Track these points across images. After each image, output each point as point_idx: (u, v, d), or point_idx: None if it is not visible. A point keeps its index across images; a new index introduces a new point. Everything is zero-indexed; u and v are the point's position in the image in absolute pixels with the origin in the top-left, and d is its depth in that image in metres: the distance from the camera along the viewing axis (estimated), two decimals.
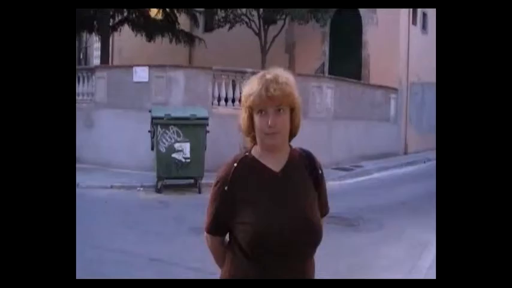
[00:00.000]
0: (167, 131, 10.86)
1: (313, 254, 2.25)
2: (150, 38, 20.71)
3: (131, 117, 13.23)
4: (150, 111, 11.26)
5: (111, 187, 11.24)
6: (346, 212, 8.89)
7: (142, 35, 20.82)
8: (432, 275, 5.45)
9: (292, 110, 2.21)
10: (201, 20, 22.17)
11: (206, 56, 20.10)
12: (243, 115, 2.24)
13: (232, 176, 2.21)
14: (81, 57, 29.06)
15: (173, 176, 11.07)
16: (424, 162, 16.84)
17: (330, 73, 18.48)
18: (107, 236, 7.50)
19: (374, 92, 17.56)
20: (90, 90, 14.66)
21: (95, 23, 19.64)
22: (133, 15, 20.44)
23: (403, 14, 18.11)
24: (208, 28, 22.50)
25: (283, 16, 17.59)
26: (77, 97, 14.29)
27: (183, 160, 10.92)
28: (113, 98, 13.98)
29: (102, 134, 13.82)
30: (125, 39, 22.53)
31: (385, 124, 17.86)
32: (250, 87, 2.18)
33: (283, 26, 18.15)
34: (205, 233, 2.31)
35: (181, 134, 10.88)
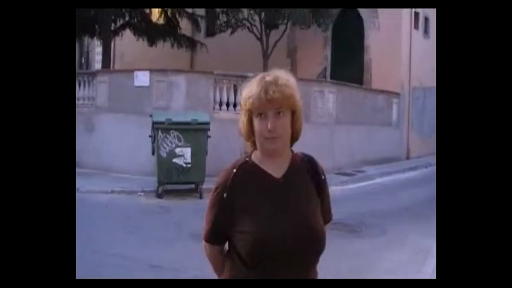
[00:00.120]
0: (168, 136, 10.81)
1: (317, 263, 2.18)
2: (151, 42, 20.69)
3: (132, 122, 13.19)
4: (151, 115, 11.22)
5: (112, 192, 11.19)
6: (348, 218, 8.82)
7: (144, 40, 20.81)
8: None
9: (294, 113, 2.14)
10: (202, 24, 22.18)
11: (208, 61, 20.07)
12: (242, 119, 2.17)
13: (232, 182, 2.14)
14: (83, 61, 29.07)
15: (174, 181, 11.01)
16: (426, 167, 16.75)
17: (331, 78, 18.43)
18: (107, 241, 7.45)
19: (376, 97, 17.50)
20: (91, 95, 14.62)
21: (96, 27, 19.63)
22: (135, 20, 20.43)
23: (405, 18, 18.07)
24: (210, 33, 22.49)
25: (285, 21, 17.56)
26: (77, 101, 14.27)
27: (184, 165, 10.86)
28: (114, 102, 13.94)
29: (103, 139, 13.77)
30: (127, 43, 22.54)
31: (387, 129, 17.79)
32: (250, 89, 2.11)
33: (284, 31, 18.13)
34: (203, 241, 2.25)
35: (182, 139, 10.83)
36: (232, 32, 18.62)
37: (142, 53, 21.48)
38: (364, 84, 18.34)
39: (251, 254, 2.04)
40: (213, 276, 2.32)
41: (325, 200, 2.26)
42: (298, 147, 2.25)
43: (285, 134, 2.12)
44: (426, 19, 19.53)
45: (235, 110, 13.12)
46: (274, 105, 2.06)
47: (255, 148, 2.18)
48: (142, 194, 11.20)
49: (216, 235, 2.19)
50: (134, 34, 20.77)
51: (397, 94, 18.14)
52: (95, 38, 21.52)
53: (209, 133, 11.03)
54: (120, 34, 20.82)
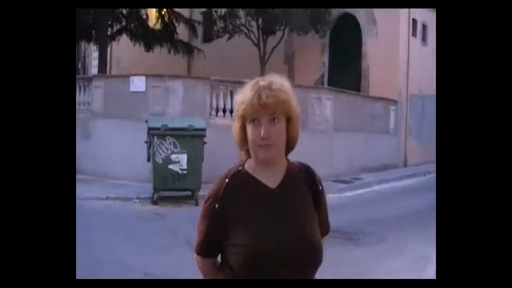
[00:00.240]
0: (164, 142, 10.71)
1: (314, 276, 2.07)
2: (148, 48, 20.66)
3: (128, 128, 13.08)
4: (146, 121, 11.12)
5: (107, 198, 11.07)
6: (346, 226, 8.70)
7: (140, 45, 20.76)
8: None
9: (289, 120, 2.01)
10: (199, 30, 22.18)
11: (205, 67, 20.03)
12: (235, 125, 2.05)
13: (224, 192, 2.03)
14: (80, 66, 29.00)
15: (170, 188, 10.91)
16: (424, 175, 16.69)
17: (329, 84, 18.38)
18: (101, 248, 7.34)
19: (374, 104, 17.45)
20: (87, 100, 14.52)
21: (93, 32, 19.55)
22: (132, 25, 20.39)
23: (403, 25, 18.04)
24: (207, 38, 22.48)
25: (283, 27, 17.52)
26: None
27: (180, 171, 10.76)
28: (110, 107, 13.85)
29: (99, 144, 13.66)
30: (123, 48, 22.49)
31: (384, 136, 17.73)
32: (243, 94, 2.00)
33: (282, 37, 18.10)
34: (195, 254, 2.14)
35: (178, 145, 10.74)
36: (229, 38, 18.58)
37: (139, 58, 21.42)
38: (362, 91, 18.29)
39: (245, 267, 1.93)
40: None
41: (322, 211, 2.16)
42: (295, 155, 2.14)
43: (280, 142, 2.00)
44: (424, 26, 19.50)
45: (231, 116, 13.01)
46: (267, 110, 1.95)
47: (249, 156, 2.07)
48: (137, 200, 11.08)
49: (208, 247, 2.08)
50: (131, 39, 20.74)
51: (394, 101, 18.09)
52: (92, 43, 21.45)
53: (205, 139, 10.93)
54: (117, 39, 20.79)
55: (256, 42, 18.07)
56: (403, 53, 18.07)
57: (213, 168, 9.89)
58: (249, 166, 2.08)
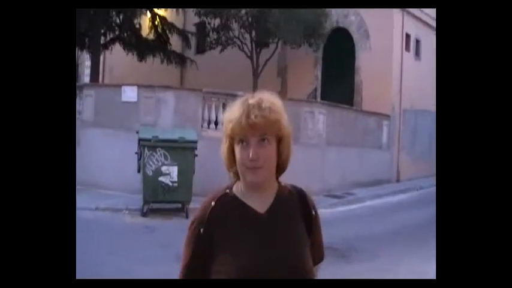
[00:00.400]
0: (154, 154, 10.57)
1: None
2: (141, 57, 20.59)
3: (119, 138, 12.93)
4: (137, 132, 10.98)
5: (96, 209, 10.88)
6: (338, 242, 8.56)
7: (133, 54, 20.67)
8: None
9: (280, 140, 1.89)
10: (193, 41, 22.16)
11: (198, 78, 19.98)
12: (223, 145, 1.93)
13: (209, 216, 1.91)
14: None
15: (160, 200, 10.76)
16: (417, 190, 16.65)
17: (322, 98, 18.33)
18: (87, 261, 7.15)
19: (367, 119, 17.39)
20: (78, 108, 14.31)
21: (86, 40, 19.42)
22: (125, 34, 20.31)
23: (396, 40, 18.05)
24: (200, 50, 22.48)
25: (276, 39, 17.50)
26: None
27: (170, 184, 10.62)
28: (101, 117, 13.68)
29: (89, 154, 13.45)
30: (116, 58, 22.40)
31: (377, 151, 17.65)
32: (231, 112, 1.88)
33: (275, 50, 18.09)
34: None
35: (168, 157, 10.60)
36: (222, 50, 18.56)
37: (132, 67, 21.33)
38: (355, 106, 18.25)
39: None
40: None
41: (315, 238, 2.03)
42: (287, 169, 2.01)
43: (269, 164, 1.88)
44: (417, 41, 19.53)
45: None
46: (256, 131, 1.83)
47: (238, 179, 1.95)
48: (127, 212, 10.90)
49: (193, 272, 1.96)
50: (124, 48, 20.65)
51: (387, 116, 18.05)
52: (85, 51, 21.31)
53: (197, 152, 10.81)
54: (110, 48, 20.68)
55: (249, 54, 18.03)
56: (396, 67, 18.06)
57: (204, 181, 9.78)
58: (237, 189, 1.96)
